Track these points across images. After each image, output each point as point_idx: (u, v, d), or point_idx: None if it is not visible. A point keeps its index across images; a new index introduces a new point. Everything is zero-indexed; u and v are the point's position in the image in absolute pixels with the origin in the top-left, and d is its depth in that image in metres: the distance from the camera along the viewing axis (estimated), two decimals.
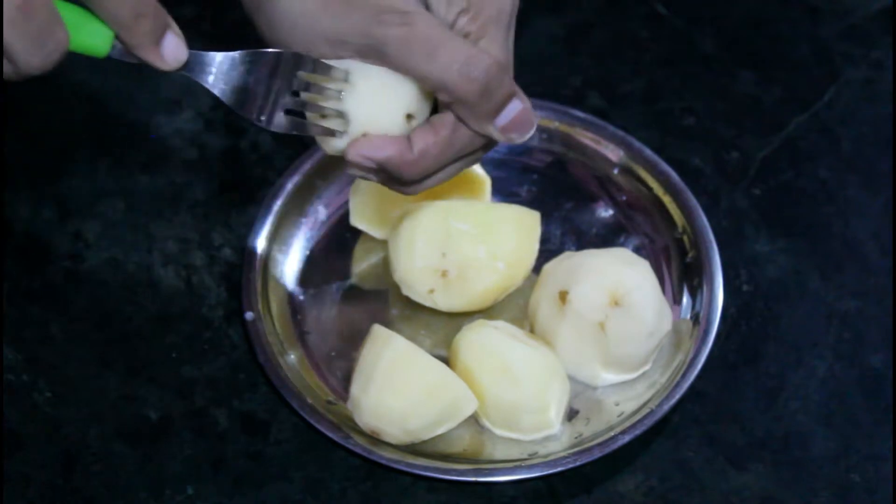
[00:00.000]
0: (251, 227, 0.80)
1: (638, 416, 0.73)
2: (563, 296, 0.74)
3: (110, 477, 0.72)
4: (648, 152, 0.84)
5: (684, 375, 0.74)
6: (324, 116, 0.65)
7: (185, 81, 0.89)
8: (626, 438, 0.72)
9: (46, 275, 0.80)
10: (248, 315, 0.76)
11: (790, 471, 0.74)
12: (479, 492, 0.72)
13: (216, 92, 0.64)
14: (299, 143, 0.87)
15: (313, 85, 0.64)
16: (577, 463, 0.71)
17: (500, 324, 0.75)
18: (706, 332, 0.76)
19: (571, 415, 0.74)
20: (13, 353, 0.77)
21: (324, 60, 0.64)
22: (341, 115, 0.64)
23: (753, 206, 0.86)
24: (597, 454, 0.71)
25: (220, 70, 0.63)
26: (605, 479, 0.73)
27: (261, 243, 0.79)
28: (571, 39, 0.95)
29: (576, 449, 0.72)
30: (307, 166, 0.83)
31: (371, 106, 0.64)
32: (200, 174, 0.86)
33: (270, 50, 0.64)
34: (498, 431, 0.73)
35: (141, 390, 0.76)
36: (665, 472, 0.74)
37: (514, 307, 0.79)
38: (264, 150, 0.87)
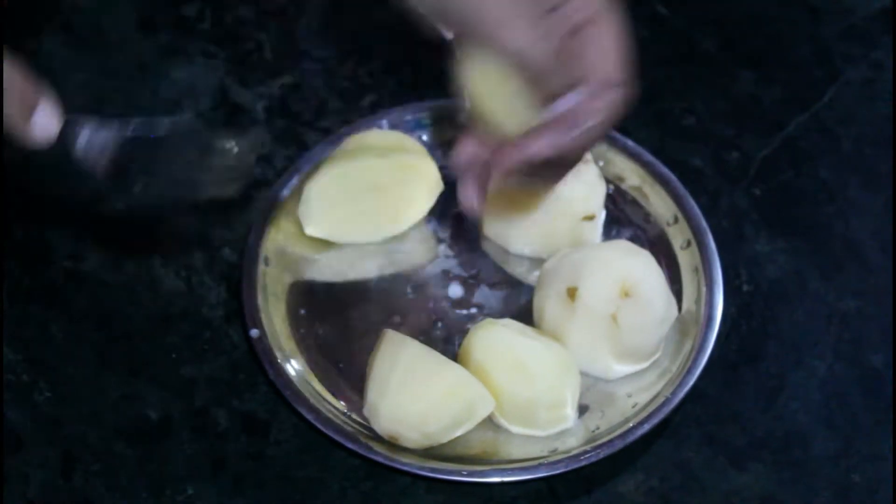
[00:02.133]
0: (251, 228, 0.80)
1: (653, 407, 0.73)
2: (571, 292, 0.74)
3: (110, 477, 0.72)
4: (648, 156, 0.84)
5: (689, 371, 0.74)
6: None
7: (186, 81, 0.89)
8: (646, 427, 0.72)
9: (46, 275, 0.80)
10: (254, 332, 0.75)
11: (790, 471, 0.74)
12: (480, 492, 0.72)
13: (89, 165, 0.62)
14: (299, 143, 0.87)
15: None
16: (601, 455, 0.71)
17: (508, 321, 0.76)
18: (706, 332, 0.76)
19: (581, 410, 0.75)
20: (13, 353, 0.77)
21: None
22: None
23: (753, 206, 0.86)
24: (618, 446, 0.72)
25: (97, 142, 0.61)
26: (605, 479, 0.73)
27: (260, 244, 0.79)
28: None
29: (597, 442, 0.72)
30: (307, 166, 0.83)
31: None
32: (200, 174, 0.86)
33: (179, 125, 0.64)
34: (515, 429, 0.73)
35: (141, 390, 0.76)
36: (665, 472, 0.74)
37: (516, 308, 0.79)
38: (264, 150, 0.87)
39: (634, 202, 0.84)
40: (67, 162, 0.58)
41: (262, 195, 0.82)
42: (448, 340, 0.77)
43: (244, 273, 0.78)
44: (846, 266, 0.83)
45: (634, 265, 0.75)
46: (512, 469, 0.72)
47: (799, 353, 0.79)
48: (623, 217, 0.83)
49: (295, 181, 0.82)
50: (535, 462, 0.72)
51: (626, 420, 0.73)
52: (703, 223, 0.81)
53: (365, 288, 0.80)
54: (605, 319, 0.74)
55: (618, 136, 0.85)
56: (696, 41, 0.95)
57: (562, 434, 0.73)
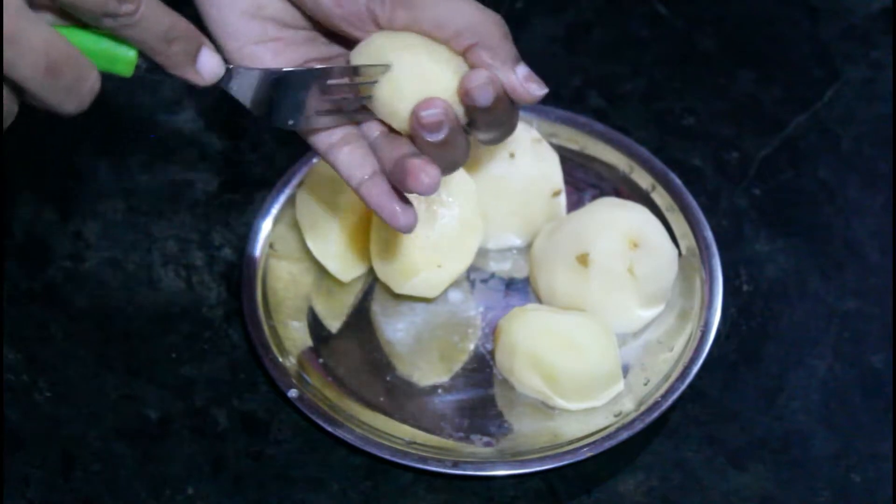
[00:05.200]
0: (251, 228, 0.80)
1: (689, 351, 0.75)
2: (582, 259, 0.76)
3: (110, 477, 0.72)
4: (647, 153, 0.84)
5: (683, 375, 0.74)
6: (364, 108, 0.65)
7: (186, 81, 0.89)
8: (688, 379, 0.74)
9: (46, 275, 0.80)
10: (292, 392, 0.74)
11: (790, 471, 0.74)
12: (480, 491, 0.72)
13: (244, 102, 0.64)
14: (300, 143, 0.87)
15: (350, 85, 0.64)
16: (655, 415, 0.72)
17: (534, 305, 0.77)
18: (706, 332, 0.76)
19: (624, 371, 0.76)
20: (13, 353, 0.77)
21: (357, 64, 0.64)
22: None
23: (753, 206, 0.86)
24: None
25: (248, 83, 0.64)
26: (605, 478, 0.73)
27: (260, 244, 0.80)
28: (571, 39, 0.95)
29: (651, 400, 0.73)
30: (308, 166, 0.83)
31: (411, 94, 0.64)
32: (200, 174, 0.86)
33: (302, 69, 0.65)
34: (574, 406, 0.74)
35: (141, 390, 0.76)
36: (665, 471, 0.74)
37: (520, 295, 0.80)
38: (264, 150, 0.87)
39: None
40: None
41: (263, 195, 0.82)
42: (476, 341, 0.78)
43: (244, 273, 0.78)
44: (846, 266, 0.83)
45: (633, 217, 0.77)
46: (519, 461, 0.72)
47: (799, 353, 0.79)
48: None
49: (295, 181, 0.82)
50: (540, 455, 0.72)
51: (670, 368, 0.75)
52: (704, 222, 0.81)
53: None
54: (622, 275, 0.76)
55: (618, 134, 0.85)
56: (696, 41, 0.96)
57: (617, 398, 0.74)
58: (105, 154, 0.86)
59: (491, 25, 0.63)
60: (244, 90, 0.64)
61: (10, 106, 0.57)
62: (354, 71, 0.64)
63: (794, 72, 0.94)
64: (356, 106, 0.65)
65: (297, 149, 0.86)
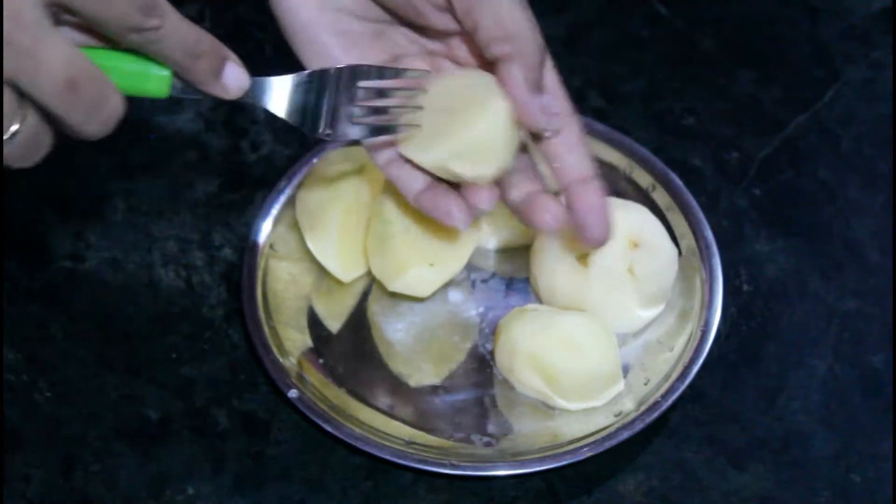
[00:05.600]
0: (251, 228, 0.80)
1: (689, 351, 0.75)
2: (583, 259, 0.76)
3: (110, 477, 0.72)
4: (646, 152, 0.84)
5: (684, 375, 0.74)
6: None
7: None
8: (689, 379, 0.74)
9: (46, 275, 0.80)
10: (292, 393, 0.74)
11: (790, 471, 0.74)
12: (481, 491, 0.72)
13: (279, 113, 0.64)
14: (300, 143, 0.87)
15: (386, 90, 0.66)
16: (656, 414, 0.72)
17: (534, 305, 0.77)
18: (706, 332, 0.76)
19: (624, 371, 0.76)
20: (13, 353, 0.77)
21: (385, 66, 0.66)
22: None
23: (753, 206, 0.86)
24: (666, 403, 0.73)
25: (279, 93, 0.64)
26: (606, 478, 0.73)
27: (261, 244, 0.80)
28: (571, 39, 0.95)
29: (651, 400, 0.73)
30: (308, 166, 0.83)
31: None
32: (200, 174, 0.86)
33: (329, 68, 0.65)
34: (574, 406, 0.74)
35: (141, 390, 0.76)
36: (665, 471, 0.74)
37: (520, 295, 0.80)
38: (264, 151, 0.87)
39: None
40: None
41: (263, 195, 0.82)
42: (476, 341, 0.78)
43: (244, 273, 0.78)
44: (846, 266, 0.83)
45: (633, 217, 0.77)
46: (519, 461, 0.72)
47: (799, 353, 0.79)
48: None
49: (295, 181, 0.82)
50: (540, 455, 0.72)
51: (670, 368, 0.75)
52: (704, 222, 0.81)
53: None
54: (622, 275, 0.76)
55: (618, 134, 0.85)
56: (696, 41, 0.96)
57: (617, 398, 0.74)
58: (105, 154, 0.86)
59: (535, 47, 0.65)
60: (277, 101, 0.64)
61: (44, 137, 0.56)
62: (395, 72, 0.65)
63: (794, 72, 0.94)
64: (395, 117, 0.66)
65: (297, 149, 0.86)
